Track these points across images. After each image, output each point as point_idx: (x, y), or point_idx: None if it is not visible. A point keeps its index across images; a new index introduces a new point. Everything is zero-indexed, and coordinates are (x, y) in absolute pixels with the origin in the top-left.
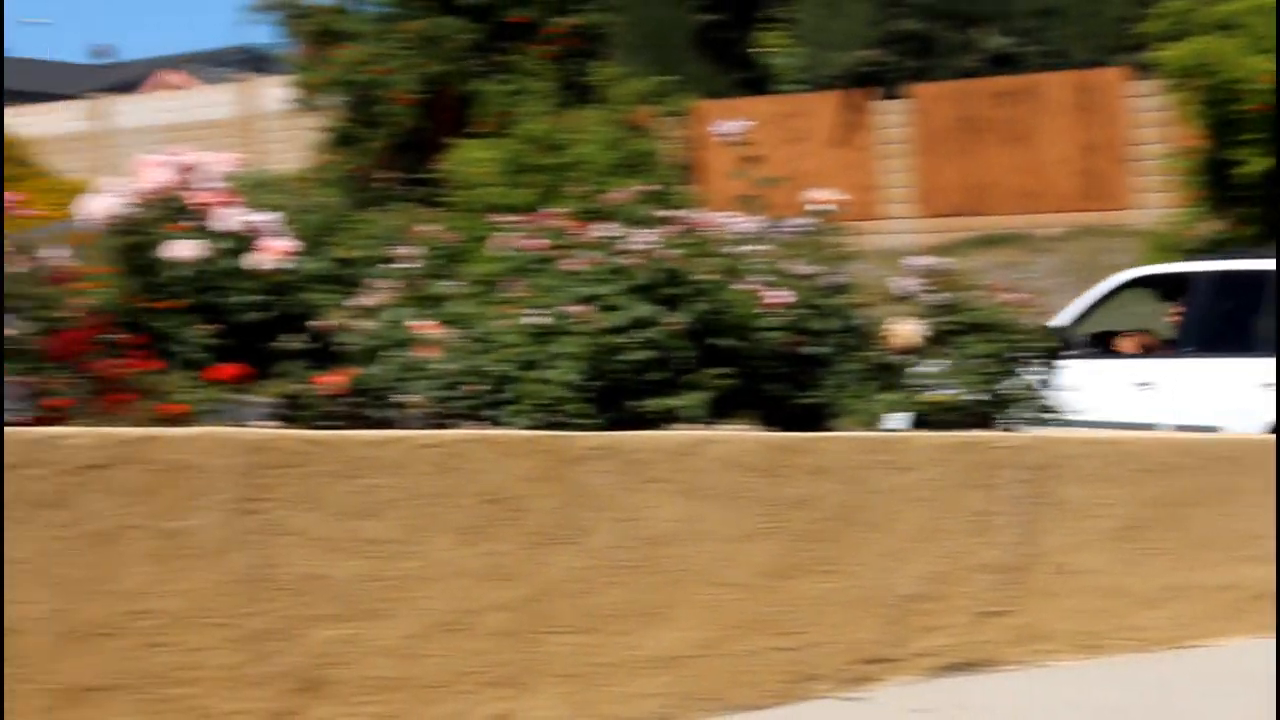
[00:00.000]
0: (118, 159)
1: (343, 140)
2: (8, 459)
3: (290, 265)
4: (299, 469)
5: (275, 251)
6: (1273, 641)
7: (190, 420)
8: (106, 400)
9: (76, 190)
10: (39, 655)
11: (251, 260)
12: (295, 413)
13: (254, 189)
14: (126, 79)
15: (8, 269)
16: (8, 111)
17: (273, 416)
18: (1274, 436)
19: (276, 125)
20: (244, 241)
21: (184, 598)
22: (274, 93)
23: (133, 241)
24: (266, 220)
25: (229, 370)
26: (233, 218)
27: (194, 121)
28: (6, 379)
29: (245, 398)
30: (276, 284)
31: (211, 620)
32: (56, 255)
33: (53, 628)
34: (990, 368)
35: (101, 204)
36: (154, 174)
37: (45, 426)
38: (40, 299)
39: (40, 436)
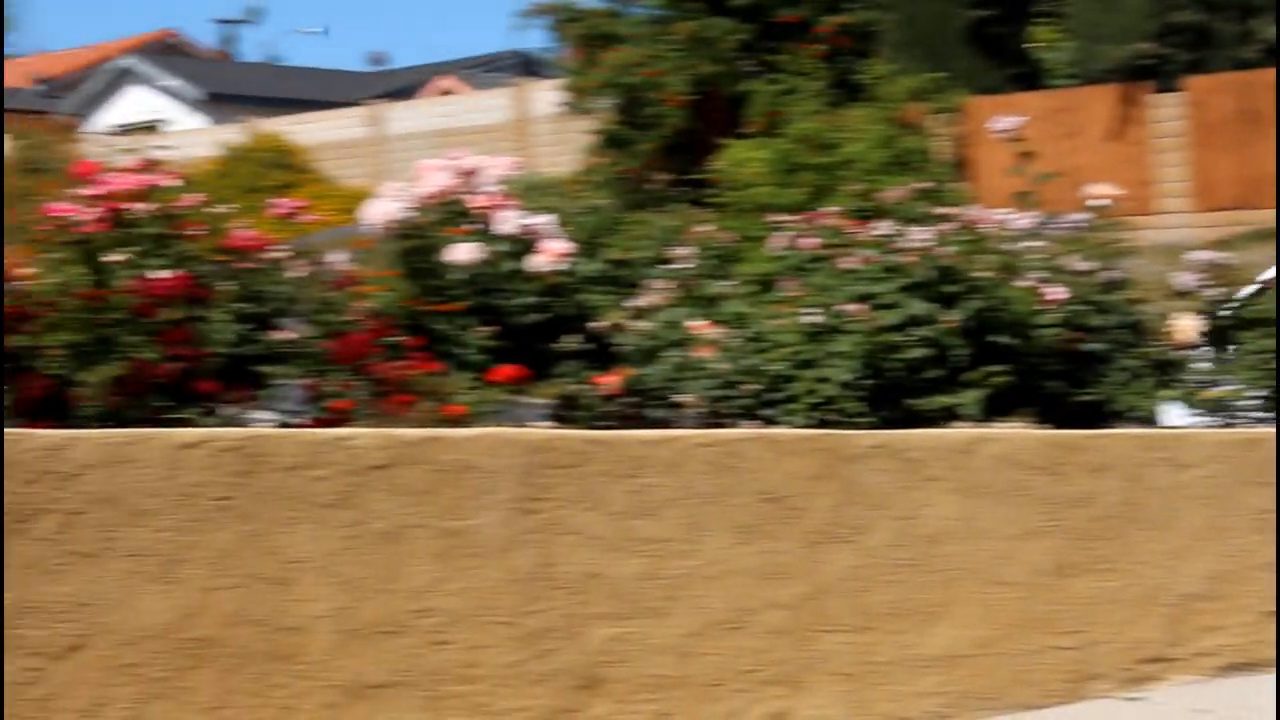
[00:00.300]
0: (393, 164)
1: (613, 142)
2: (292, 460)
3: (566, 267)
4: (578, 469)
5: (552, 254)
6: None
7: (469, 421)
8: (388, 402)
9: (354, 196)
10: (322, 652)
11: (529, 263)
12: (571, 413)
13: (527, 192)
14: (402, 85)
15: (291, 273)
16: (286, 119)
17: (549, 417)
18: None
19: (547, 129)
20: (521, 244)
21: (465, 596)
22: (545, 96)
23: (413, 245)
24: (543, 223)
25: (508, 371)
26: (510, 221)
27: (467, 126)
28: (291, 381)
29: (522, 399)
30: (553, 286)
31: (493, 618)
32: (338, 260)
33: (336, 625)
34: (1272, 363)
35: (382, 209)
36: (434, 178)
37: (329, 428)
38: (323, 303)
39: (326, 438)
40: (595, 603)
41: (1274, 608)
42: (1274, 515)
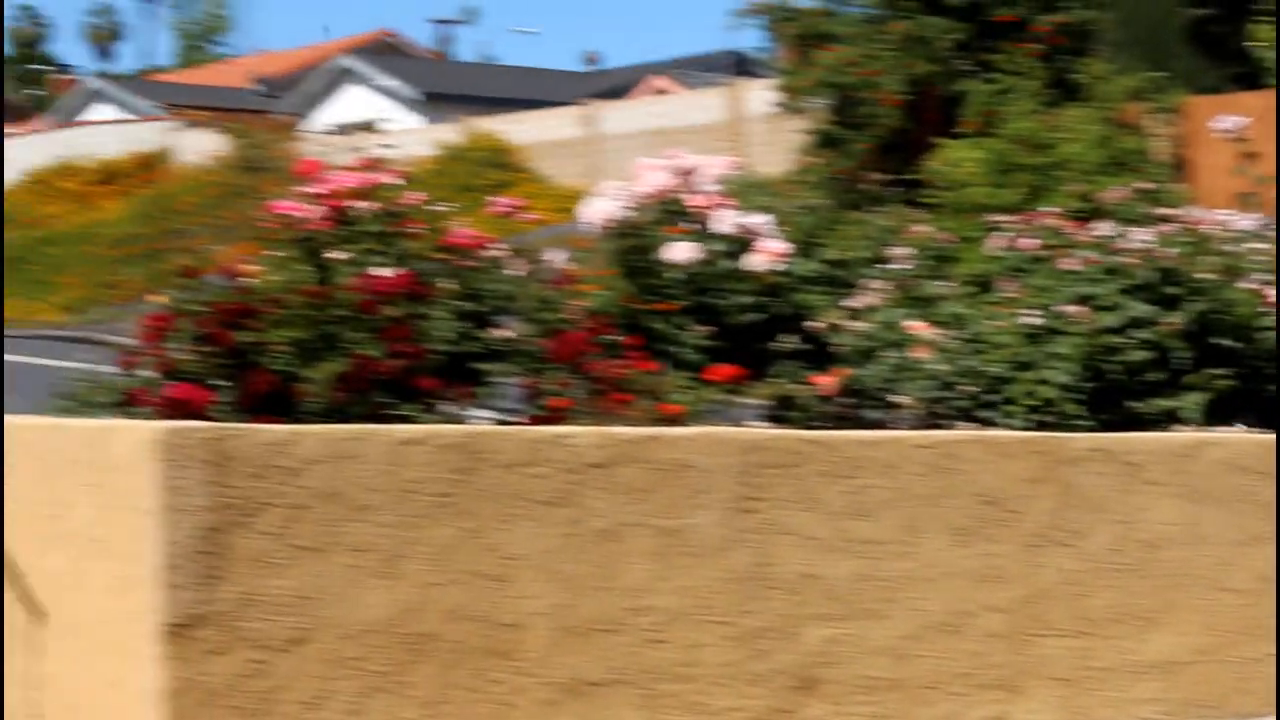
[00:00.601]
0: (606, 164)
1: (827, 142)
2: (512, 458)
3: (783, 267)
4: (795, 469)
5: (769, 253)
6: None
7: (686, 420)
8: (605, 400)
9: (569, 195)
10: (540, 649)
11: (746, 262)
12: (787, 413)
13: (744, 191)
14: (616, 85)
15: (509, 272)
16: (502, 118)
17: (766, 417)
18: None
19: (761, 128)
20: (738, 244)
21: (683, 595)
22: (759, 96)
23: (630, 244)
24: (759, 222)
25: (725, 371)
26: (727, 220)
27: (680, 126)
28: (509, 379)
29: (739, 398)
30: (770, 285)
31: (710, 618)
32: (556, 258)
33: (554, 623)
34: None
35: (600, 207)
36: (652, 177)
37: (548, 426)
38: (541, 301)
39: (545, 436)
40: (811, 603)
41: None
42: None
